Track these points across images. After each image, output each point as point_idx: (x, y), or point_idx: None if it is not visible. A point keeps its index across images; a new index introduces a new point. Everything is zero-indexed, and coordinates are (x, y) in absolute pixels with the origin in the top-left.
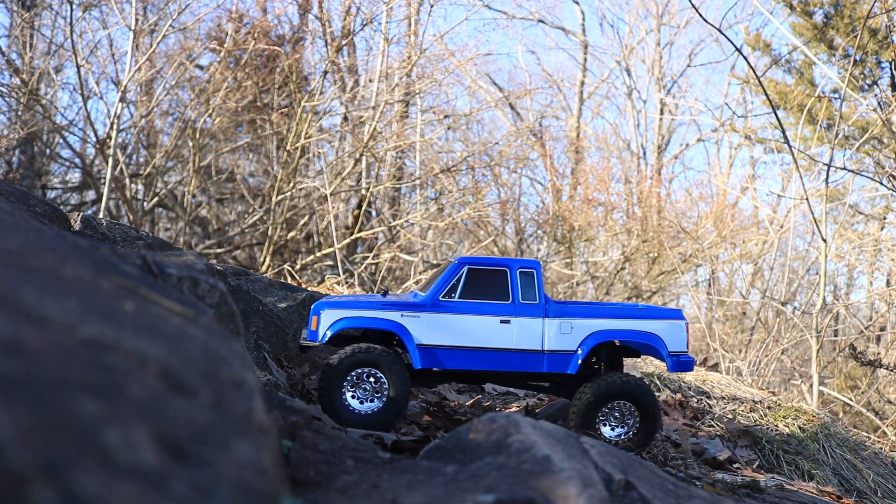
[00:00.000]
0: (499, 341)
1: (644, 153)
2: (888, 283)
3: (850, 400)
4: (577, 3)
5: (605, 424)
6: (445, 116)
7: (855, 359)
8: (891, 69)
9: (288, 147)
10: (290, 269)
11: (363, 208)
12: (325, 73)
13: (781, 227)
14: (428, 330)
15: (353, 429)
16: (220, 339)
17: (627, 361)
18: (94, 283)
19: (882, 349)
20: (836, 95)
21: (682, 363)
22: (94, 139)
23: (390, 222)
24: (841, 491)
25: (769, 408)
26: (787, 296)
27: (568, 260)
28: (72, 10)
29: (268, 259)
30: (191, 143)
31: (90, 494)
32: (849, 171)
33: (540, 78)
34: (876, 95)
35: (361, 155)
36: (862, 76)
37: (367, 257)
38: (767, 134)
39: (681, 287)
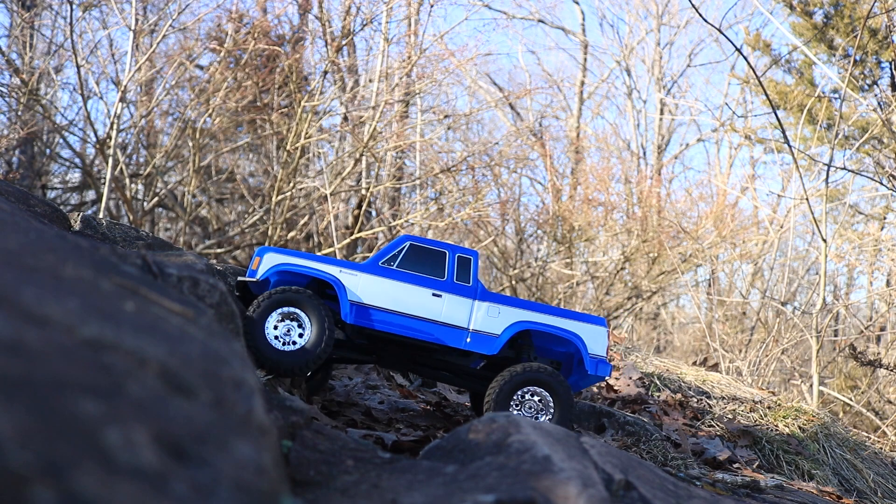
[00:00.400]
0: (428, 312)
1: (644, 153)
2: (888, 283)
3: (850, 400)
4: (577, 3)
5: (518, 411)
6: (445, 116)
7: (855, 359)
8: (891, 69)
9: (288, 147)
10: None
11: (363, 208)
12: (325, 73)
13: (781, 227)
14: (363, 289)
15: (353, 430)
16: (220, 339)
17: (627, 361)
18: (94, 283)
19: (882, 349)
20: (836, 95)
21: (600, 366)
22: (94, 139)
23: (390, 222)
24: (841, 491)
25: (769, 408)
26: (787, 296)
27: (568, 260)
28: (72, 10)
29: None
30: (191, 143)
31: (90, 494)
32: (849, 171)
33: (540, 78)
34: (876, 95)
35: (361, 155)
36: (862, 76)
37: (368, 257)
38: (767, 134)
39: (681, 287)
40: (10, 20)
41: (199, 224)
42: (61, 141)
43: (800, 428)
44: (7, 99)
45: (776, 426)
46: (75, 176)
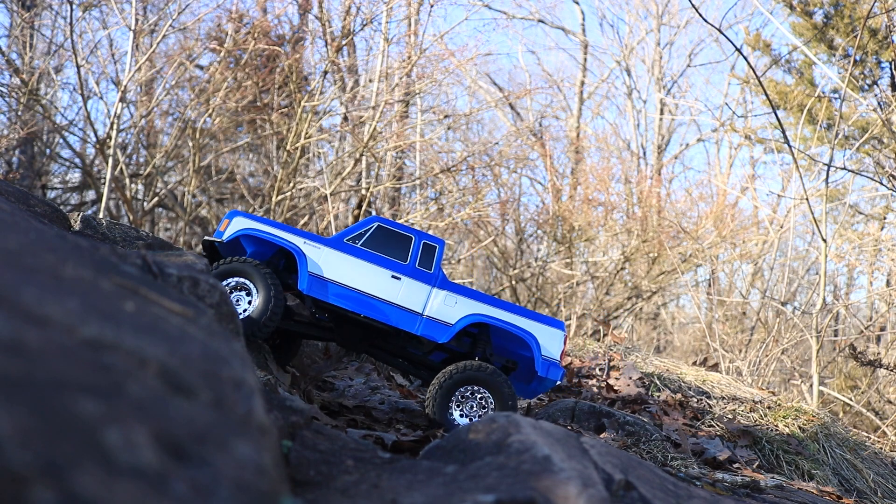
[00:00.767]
0: (384, 292)
1: (644, 153)
2: (888, 283)
3: (850, 400)
4: (577, 3)
5: (458, 409)
6: (445, 116)
7: (855, 359)
8: (891, 69)
9: (288, 147)
10: None
11: (363, 208)
12: (325, 73)
13: (781, 227)
14: (323, 262)
15: (353, 430)
16: (220, 339)
17: (627, 361)
18: (94, 283)
19: (882, 349)
20: (836, 95)
21: (552, 369)
22: (94, 139)
23: None
24: (841, 491)
25: (769, 408)
26: (787, 296)
27: (568, 260)
28: (72, 10)
29: None
30: (191, 143)
31: (90, 494)
32: (849, 171)
33: (540, 78)
34: (876, 95)
35: (361, 155)
36: (862, 76)
37: None
38: (767, 134)
39: (681, 287)
40: (10, 20)
41: (199, 224)
42: (61, 141)
43: (800, 428)
44: (7, 99)
45: (776, 426)
46: (75, 176)
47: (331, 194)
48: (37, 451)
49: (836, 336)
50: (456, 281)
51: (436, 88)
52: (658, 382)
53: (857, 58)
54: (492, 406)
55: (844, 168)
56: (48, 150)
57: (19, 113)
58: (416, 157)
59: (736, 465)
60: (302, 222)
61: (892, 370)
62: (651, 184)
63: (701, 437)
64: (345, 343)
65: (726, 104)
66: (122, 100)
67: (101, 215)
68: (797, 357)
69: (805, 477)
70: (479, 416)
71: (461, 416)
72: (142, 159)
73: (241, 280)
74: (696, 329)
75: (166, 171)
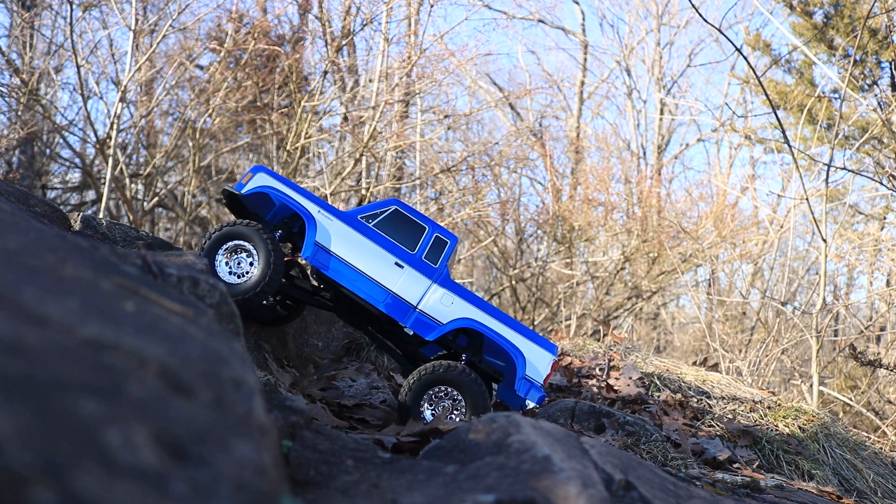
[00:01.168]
0: (384, 278)
1: (644, 153)
2: (888, 283)
3: (850, 400)
4: (577, 3)
5: (430, 409)
6: (445, 116)
7: (855, 359)
8: (891, 69)
9: (288, 147)
10: None
11: None
12: (325, 73)
13: (781, 227)
14: (333, 234)
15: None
16: (220, 339)
17: (627, 361)
18: (94, 283)
19: (882, 349)
20: (836, 95)
21: (531, 391)
22: (94, 139)
23: None
24: (841, 491)
25: (769, 408)
26: (787, 296)
27: (568, 260)
28: (72, 10)
29: None
30: (191, 143)
31: (90, 494)
32: (849, 171)
33: (540, 78)
34: (876, 95)
35: (361, 155)
36: (862, 76)
37: None
38: (767, 134)
39: (681, 287)
40: (10, 20)
41: (199, 224)
42: (61, 141)
43: (800, 428)
44: (7, 99)
45: (776, 426)
46: (75, 176)
47: (331, 194)
48: (37, 451)
49: (836, 336)
50: (456, 281)
51: (436, 88)
52: (658, 382)
53: (857, 58)
54: (463, 407)
55: (844, 168)
56: (48, 150)
57: (19, 113)
58: (416, 157)
59: (736, 465)
60: None
61: (892, 370)
62: (651, 184)
63: (701, 437)
64: (342, 315)
65: (726, 104)
66: (122, 100)
67: (101, 215)
68: (797, 357)
69: (805, 477)
70: (451, 419)
71: (432, 415)
72: (142, 159)
73: (242, 243)
74: (696, 329)
75: (166, 171)
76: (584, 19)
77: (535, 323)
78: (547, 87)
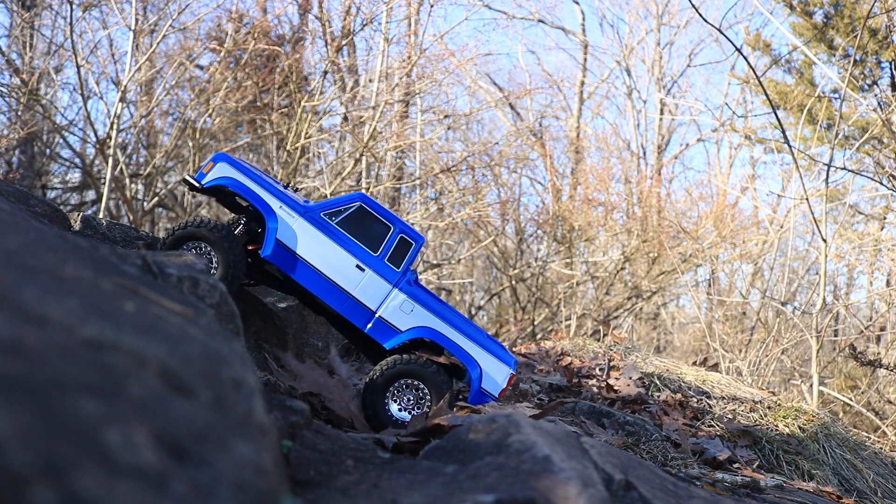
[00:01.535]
0: (344, 280)
1: (644, 153)
2: (888, 283)
3: (850, 400)
4: (577, 3)
5: (395, 402)
6: (445, 116)
7: (855, 359)
8: (891, 69)
9: (288, 147)
10: None
11: None
12: (325, 73)
13: (781, 227)
14: (294, 232)
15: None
16: (220, 339)
17: (627, 361)
18: (94, 283)
19: (882, 349)
20: (836, 95)
21: (484, 403)
22: (94, 139)
23: None
24: (841, 491)
25: (769, 408)
26: (787, 296)
27: (568, 260)
28: (72, 10)
29: None
30: (191, 143)
31: (90, 494)
32: (849, 171)
33: (540, 78)
34: (876, 95)
35: (361, 155)
36: (862, 76)
37: None
38: (767, 134)
39: (681, 287)
40: (10, 20)
41: None
42: (61, 141)
43: (800, 428)
44: (7, 99)
45: (776, 426)
46: (75, 176)
47: (331, 194)
48: (37, 451)
49: (836, 336)
50: (456, 281)
51: (436, 88)
52: (658, 382)
53: (857, 58)
54: (429, 400)
55: (844, 168)
56: (48, 150)
57: (19, 113)
58: (416, 157)
59: (736, 465)
60: None
61: (892, 370)
62: (651, 184)
63: (701, 437)
64: (305, 303)
65: (726, 104)
66: (122, 100)
67: (101, 215)
68: (797, 357)
69: (805, 477)
70: (417, 410)
71: (399, 409)
72: (142, 159)
73: (200, 243)
74: (696, 329)
75: (166, 171)
76: (584, 19)
77: (535, 323)
78: (547, 87)
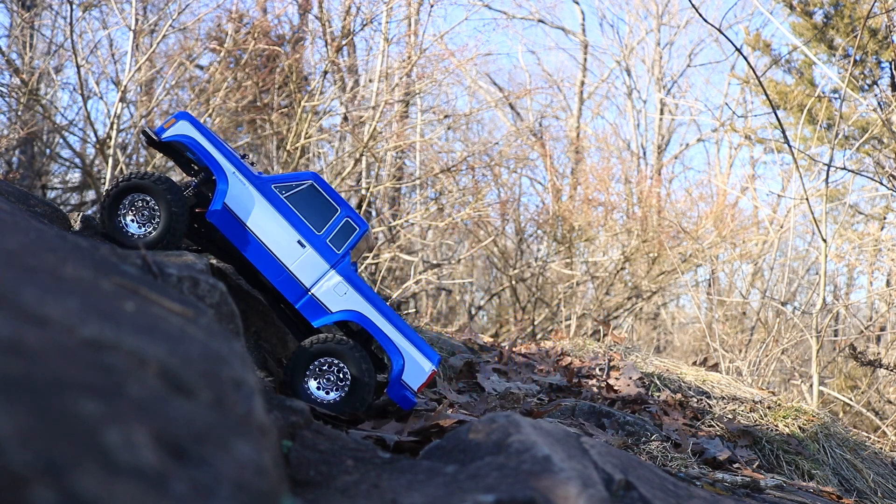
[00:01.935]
0: (284, 254)
1: (644, 153)
2: (888, 283)
3: (850, 400)
4: (577, 3)
5: (315, 381)
6: (445, 116)
7: (855, 359)
8: (891, 69)
9: (288, 147)
10: None
11: (363, 208)
12: (325, 73)
13: (781, 227)
14: (242, 199)
15: (350, 431)
16: (220, 339)
17: (627, 361)
18: (94, 283)
19: (882, 349)
20: (836, 95)
21: (402, 396)
22: (94, 139)
23: (390, 222)
24: (841, 491)
25: (769, 408)
26: (787, 296)
27: (568, 260)
28: (72, 10)
29: None
30: None
31: (90, 494)
32: (849, 171)
33: (540, 78)
34: (876, 95)
35: (361, 155)
36: (862, 76)
37: (367, 257)
38: (767, 134)
39: (681, 287)
40: (10, 20)
41: None
42: (61, 141)
43: (800, 428)
44: (7, 99)
45: (776, 426)
46: (75, 176)
47: None
48: (37, 451)
49: (836, 336)
50: (456, 281)
51: (436, 88)
52: (658, 382)
53: (857, 58)
54: (348, 379)
55: (844, 168)
56: (48, 150)
57: (19, 113)
58: (416, 157)
59: (736, 465)
60: None
61: (892, 370)
62: (651, 184)
63: (701, 437)
64: (240, 272)
65: (726, 104)
66: (122, 100)
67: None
68: (797, 357)
69: (805, 477)
70: (336, 392)
71: (318, 388)
72: (142, 159)
73: (144, 196)
74: (696, 329)
75: (166, 171)
76: (584, 19)
77: (535, 323)
78: (547, 87)
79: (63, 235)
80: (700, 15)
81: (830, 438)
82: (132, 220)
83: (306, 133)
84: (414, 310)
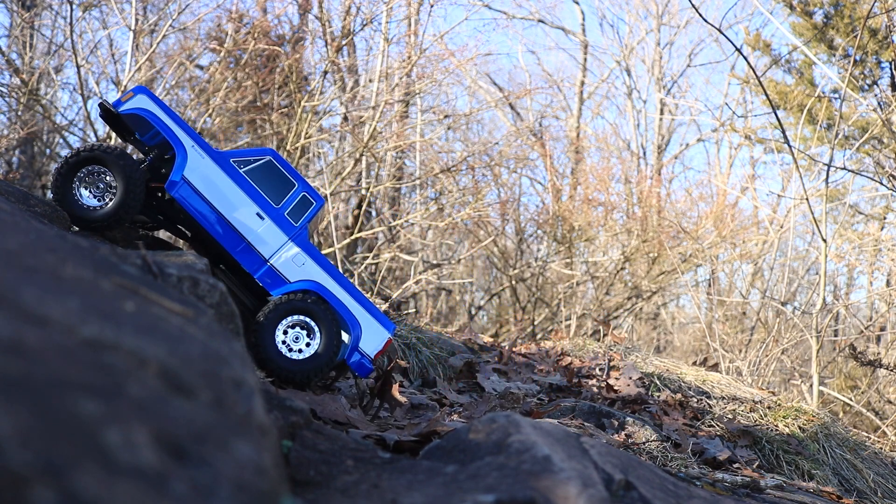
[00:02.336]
0: (242, 226)
1: (644, 153)
2: (888, 283)
3: (850, 400)
4: (577, 3)
5: (285, 338)
6: (445, 116)
7: (855, 359)
8: (891, 69)
9: (288, 147)
10: None
11: (363, 208)
12: (325, 73)
13: (781, 227)
14: (201, 172)
15: (351, 431)
16: (220, 339)
17: (627, 361)
18: (94, 283)
19: (882, 349)
20: (836, 95)
21: (361, 365)
22: (94, 139)
23: (390, 222)
24: (841, 491)
25: (769, 408)
26: (787, 296)
27: (568, 260)
28: (72, 10)
29: None
30: None
31: (90, 494)
32: (849, 171)
33: (540, 78)
34: (876, 95)
35: (361, 155)
36: (862, 76)
37: (367, 257)
38: (767, 134)
39: (681, 287)
40: (10, 20)
41: None
42: (61, 141)
43: (800, 428)
44: (7, 99)
45: (776, 426)
46: None
47: (331, 194)
48: (37, 451)
49: (836, 336)
50: (456, 281)
51: (436, 88)
52: (658, 382)
53: (857, 58)
54: (316, 334)
55: (844, 168)
56: (48, 150)
57: (19, 113)
58: (416, 157)
59: (736, 465)
60: None
61: (892, 370)
62: (651, 184)
63: (701, 437)
64: (197, 250)
65: (726, 104)
66: None
67: None
68: (797, 357)
69: (805, 477)
70: (306, 349)
71: (288, 350)
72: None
73: (101, 169)
74: (696, 329)
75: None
76: (584, 19)
77: (535, 323)
78: (547, 87)
79: (63, 235)
80: (700, 15)
81: (830, 438)
82: (87, 192)
83: (306, 133)
84: (414, 310)
